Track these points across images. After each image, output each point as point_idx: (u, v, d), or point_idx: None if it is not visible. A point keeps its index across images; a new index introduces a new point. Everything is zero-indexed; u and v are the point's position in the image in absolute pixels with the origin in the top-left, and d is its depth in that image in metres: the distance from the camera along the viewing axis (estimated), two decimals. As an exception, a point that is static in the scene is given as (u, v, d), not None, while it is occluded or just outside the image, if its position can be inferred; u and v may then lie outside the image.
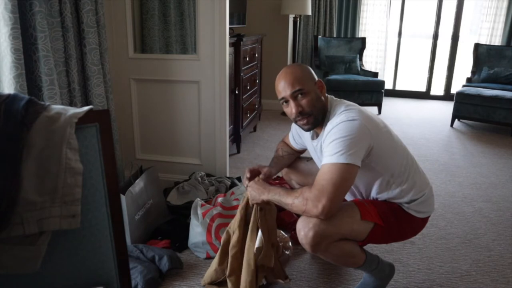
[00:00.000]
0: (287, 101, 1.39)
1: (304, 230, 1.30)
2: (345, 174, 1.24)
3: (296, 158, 1.78)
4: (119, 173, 2.21)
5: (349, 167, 1.24)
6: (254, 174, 1.58)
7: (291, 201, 1.31)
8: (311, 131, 1.48)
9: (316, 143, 1.46)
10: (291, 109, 1.38)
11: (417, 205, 1.41)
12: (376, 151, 1.32)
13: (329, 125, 1.34)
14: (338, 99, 1.46)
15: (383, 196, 1.42)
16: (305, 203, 1.26)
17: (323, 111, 1.40)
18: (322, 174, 1.26)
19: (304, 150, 1.74)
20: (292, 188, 2.21)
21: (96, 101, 1.93)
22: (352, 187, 1.48)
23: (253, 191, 1.45)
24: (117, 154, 2.17)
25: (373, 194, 1.45)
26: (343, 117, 1.31)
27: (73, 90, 1.80)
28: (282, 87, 1.38)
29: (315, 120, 1.39)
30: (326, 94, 1.45)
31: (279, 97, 1.41)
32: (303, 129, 1.45)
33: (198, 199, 1.95)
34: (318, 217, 1.27)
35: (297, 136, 1.67)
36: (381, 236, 1.42)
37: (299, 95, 1.36)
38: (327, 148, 1.29)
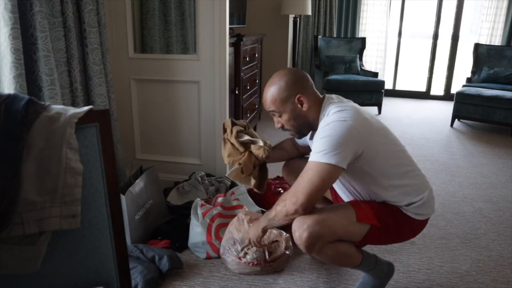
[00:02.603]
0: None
1: (299, 231, 1.31)
2: (325, 175, 1.25)
3: (297, 159, 1.78)
4: (121, 173, 2.21)
5: (331, 167, 1.24)
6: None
7: (274, 213, 1.37)
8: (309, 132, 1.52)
9: (312, 143, 1.47)
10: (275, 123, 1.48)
11: (416, 208, 1.39)
12: (368, 154, 1.31)
13: (321, 124, 1.35)
14: (336, 99, 1.44)
15: (380, 199, 1.41)
16: (284, 204, 1.32)
17: (307, 123, 1.45)
18: (305, 172, 1.30)
19: (306, 148, 1.74)
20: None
21: (98, 101, 1.92)
22: (349, 188, 1.48)
23: (252, 235, 1.50)
24: (119, 154, 2.17)
25: (370, 196, 1.44)
26: (334, 117, 1.31)
27: (75, 90, 1.80)
28: (263, 102, 1.46)
29: (298, 132, 1.48)
30: (323, 94, 1.45)
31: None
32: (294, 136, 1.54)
33: (198, 199, 1.95)
34: (297, 213, 1.31)
35: None
36: (379, 237, 1.41)
37: (277, 114, 1.44)
38: (314, 146, 1.31)
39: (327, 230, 1.31)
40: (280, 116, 1.44)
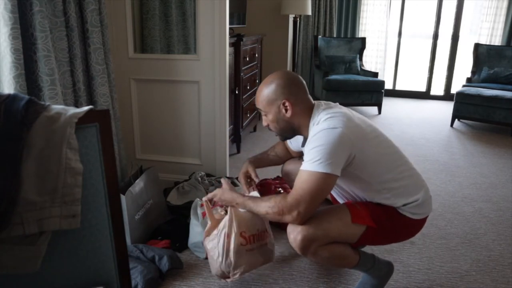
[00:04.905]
0: None
1: (293, 233, 1.31)
2: (322, 184, 1.25)
3: (295, 159, 1.79)
4: (124, 172, 2.21)
5: (327, 176, 1.24)
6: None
7: (265, 210, 1.33)
8: (302, 137, 1.53)
9: (305, 149, 1.47)
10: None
11: (412, 208, 1.39)
12: (359, 159, 1.31)
13: (311, 132, 1.34)
14: (324, 105, 1.43)
15: (374, 200, 1.41)
16: (280, 212, 1.28)
17: (291, 129, 1.46)
18: (300, 182, 1.28)
19: (299, 153, 1.76)
20: (291, 188, 2.23)
21: (100, 100, 1.92)
22: (342, 192, 1.49)
23: (226, 195, 1.49)
24: (121, 153, 2.17)
25: (364, 199, 1.44)
26: (325, 125, 1.30)
27: (79, 90, 1.80)
28: (255, 99, 1.50)
29: (282, 135, 1.52)
30: (314, 101, 1.45)
31: None
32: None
33: (198, 199, 1.95)
34: (293, 223, 1.31)
35: (294, 139, 1.68)
36: (375, 238, 1.41)
37: (263, 114, 1.47)
38: (307, 155, 1.30)
39: (322, 232, 1.31)
40: (266, 116, 1.47)
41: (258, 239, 1.59)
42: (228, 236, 1.50)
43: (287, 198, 1.28)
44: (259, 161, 1.79)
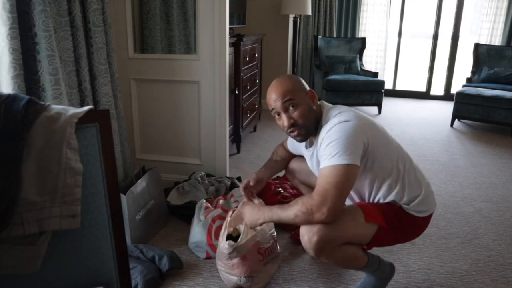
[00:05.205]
0: (279, 114, 1.40)
1: (308, 234, 1.29)
2: (346, 175, 1.25)
3: (300, 157, 1.78)
4: (129, 172, 2.20)
5: (349, 167, 1.25)
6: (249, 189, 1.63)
7: (294, 213, 1.28)
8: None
9: (312, 151, 1.46)
10: (283, 121, 1.39)
11: (416, 205, 1.40)
12: (371, 149, 1.33)
13: (324, 130, 1.34)
14: (330, 105, 1.46)
15: (378, 197, 1.42)
16: (309, 211, 1.25)
17: (316, 121, 1.41)
18: (324, 178, 1.26)
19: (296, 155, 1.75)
20: (291, 188, 2.23)
21: (103, 100, 1.92)
22: (353, 192, 1.48)
23: (250, 217, 1.45)
24: (126, 153, 2.17)
25: (368, 196, 1.44)
26: (336, 120, 1.32)
27: (85, 90, 1.79)
28: (273, 100, 1.39)
29: (307, 131, 1.40)
30: (318, 101, 1.46)
31: (270, 108, 1.42)
32: (296, 140, 1.47)
33: (203, 200, 1.95)
34: (324, 222, 1.26)
35: (294, 142, 1.67)
36: (386, 238, 1.41)
37: (291, 107, 1.37)
38: (325, 152, 1.29)
39: (337, 232, 1.30)
40: (294, 108, 1.36)
41: (272, 251, 1.62)
42: (244, 258, 1.52)
43: (313, 196, 1.26)
44: (269, 169, 1.74)
